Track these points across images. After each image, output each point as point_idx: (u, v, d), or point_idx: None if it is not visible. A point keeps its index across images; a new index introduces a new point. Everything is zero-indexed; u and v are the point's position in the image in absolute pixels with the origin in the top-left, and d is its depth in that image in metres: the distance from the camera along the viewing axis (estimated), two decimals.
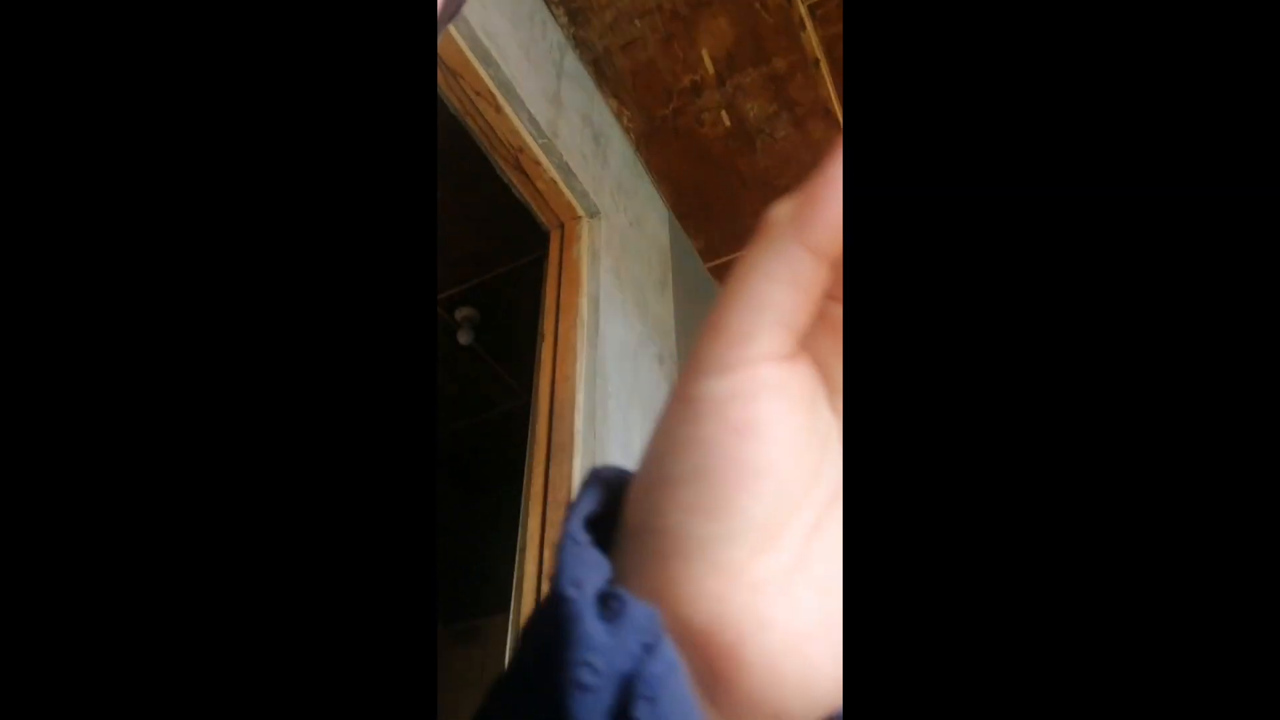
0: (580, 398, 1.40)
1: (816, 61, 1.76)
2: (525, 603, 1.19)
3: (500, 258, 2.32)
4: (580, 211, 1.71)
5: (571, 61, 1.77)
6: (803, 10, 1.67)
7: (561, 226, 1.72)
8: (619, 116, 1.88)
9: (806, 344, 0.20)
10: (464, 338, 2.58)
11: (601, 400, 1.45)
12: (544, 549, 1.23)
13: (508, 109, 1.49)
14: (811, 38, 1.72)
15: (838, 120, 1.82)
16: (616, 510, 0.21)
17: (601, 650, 0.17)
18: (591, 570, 0.19)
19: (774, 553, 0.19)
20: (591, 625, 0.17)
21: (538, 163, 1.59)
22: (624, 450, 1.45)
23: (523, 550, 1.25)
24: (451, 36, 1.37)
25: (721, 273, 2.28)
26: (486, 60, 1.42)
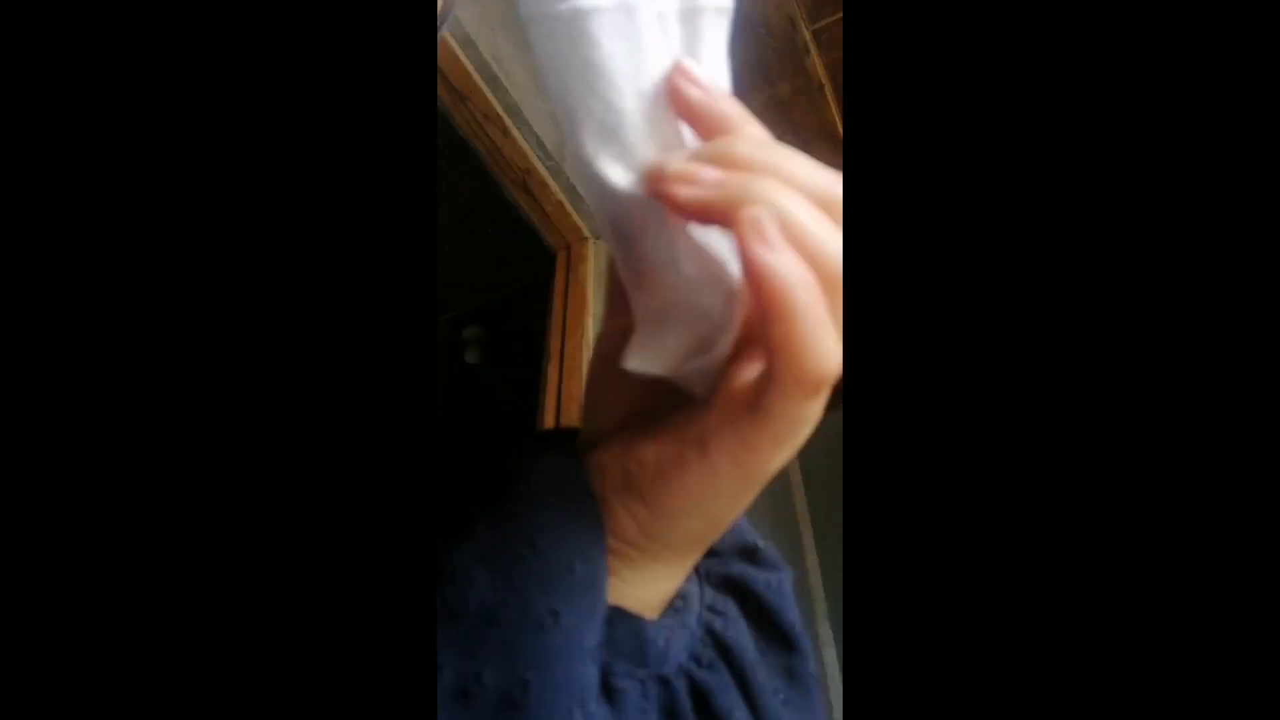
0: None
1: (820, 86, 1.78)
2: None
3: (507, 279, 2.33)
4: (587, 233, 1.72)
5: None
6: (806, 36, 1.69)
7: (568, 248, 1.73)
8: None
9: None
10: (471, 357, 2.58)
11: None
12: None
13: (515, 132, 1.51)
14: (815, 63, 1.73)
15: (841, 145, 1.83)
16: None
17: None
18: None
19: None
20: None
21: (545, 185, 1.60)
22: None
23: None
24: (460, 60, 1.39)
25: None
26: (494, 84, 1.44)
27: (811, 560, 2.25)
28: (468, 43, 1.38)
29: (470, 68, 1.41)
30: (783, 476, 2.34)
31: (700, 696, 0.25)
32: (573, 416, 1.40)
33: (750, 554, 0.30)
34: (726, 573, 0.29)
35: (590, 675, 0.22)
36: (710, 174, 0.20)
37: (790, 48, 1.70)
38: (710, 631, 0.27)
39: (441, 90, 1.42)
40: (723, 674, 0.26)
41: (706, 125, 0.22)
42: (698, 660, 0.26)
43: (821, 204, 0.20)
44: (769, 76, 1.76)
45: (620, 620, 0.25)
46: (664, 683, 0.25)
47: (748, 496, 0.24)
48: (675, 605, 0.27)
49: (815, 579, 2.21)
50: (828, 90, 1.79)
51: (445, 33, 1.31)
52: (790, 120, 1.85)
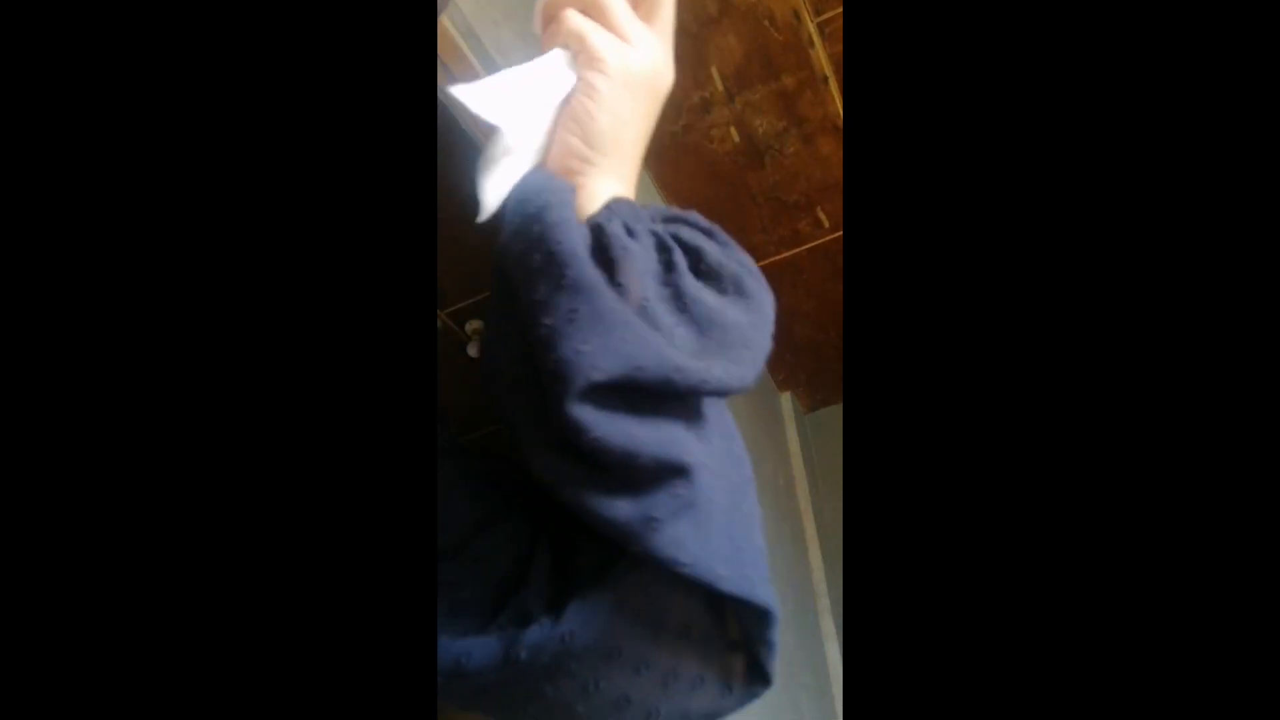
0: None
1: (825, 78, 1.77)
2: None
3: None
4: None
5: None
6: (811, 28, 1.68)
7: None
8: None
9: None
10: (474, 350, 2.59)
11: None
12: None
13: None
14: (820, 55, 1.73)
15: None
16: None
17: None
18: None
19: None
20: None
21: None
22: None
23: None
24: (464, 54, 1.39)
25: None
26: None
27: (815, 556, 2.25)
28: (470, 34, 1.38)
29: (474, 61, 1.41)
30: (786, 473, 2.34)
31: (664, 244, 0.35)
32: None
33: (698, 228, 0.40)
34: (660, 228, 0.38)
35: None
36: None
37: (795, 40, 1.70)
38: (653, 233, 0.36)
39: (443, 82, 1.41)
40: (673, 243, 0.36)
41: None
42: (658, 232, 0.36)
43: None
44: (774, 69, 1.75)
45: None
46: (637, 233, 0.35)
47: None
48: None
49: (819, 575, 2.21)
50: (832, 82, 1.78)
51: (447, 23, 1.31)
52: (795, 112, 1.85)
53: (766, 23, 1.66)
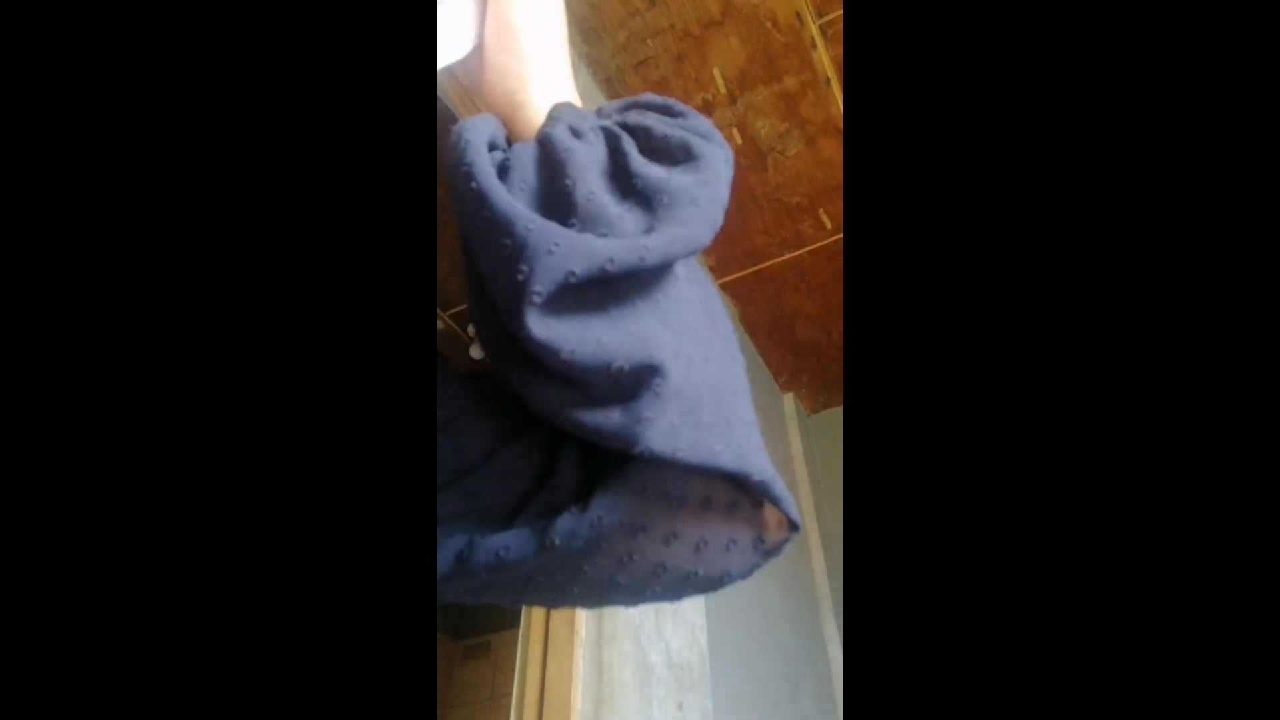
0: None
1: (828, 80, 1.77)
2: (534, 618, 1.18)
3: None
4: None
5: (584, 80, 1.79)
6: (814, 29, 1.68)
7: None
8: None
9: None
10: (476, 353, 2.59)
11: None
12: None
13: None
14: (822, 57, 1.73)
15: None
16: None
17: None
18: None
19: None
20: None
21: None
22: None
23: None
24: None
25: (732, 289, 2.28)
26: None
27: (817, 559, 2.25)
28: None
29: None
30: (788, 475, 2.34)
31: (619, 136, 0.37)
32: None
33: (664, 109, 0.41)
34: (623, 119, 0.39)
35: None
36: None
37: (797, 41, 1.70)
38: (602, 128, 0.37)
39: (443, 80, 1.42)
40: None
41: None
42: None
43: None
44: (776, 70, 1.75)
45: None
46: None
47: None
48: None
49: (821, 577, 2.21)
50: (835, 84, 1.78)
51: None
52: (797, 114, 1.85)
53: (769, 24, 1.66)
